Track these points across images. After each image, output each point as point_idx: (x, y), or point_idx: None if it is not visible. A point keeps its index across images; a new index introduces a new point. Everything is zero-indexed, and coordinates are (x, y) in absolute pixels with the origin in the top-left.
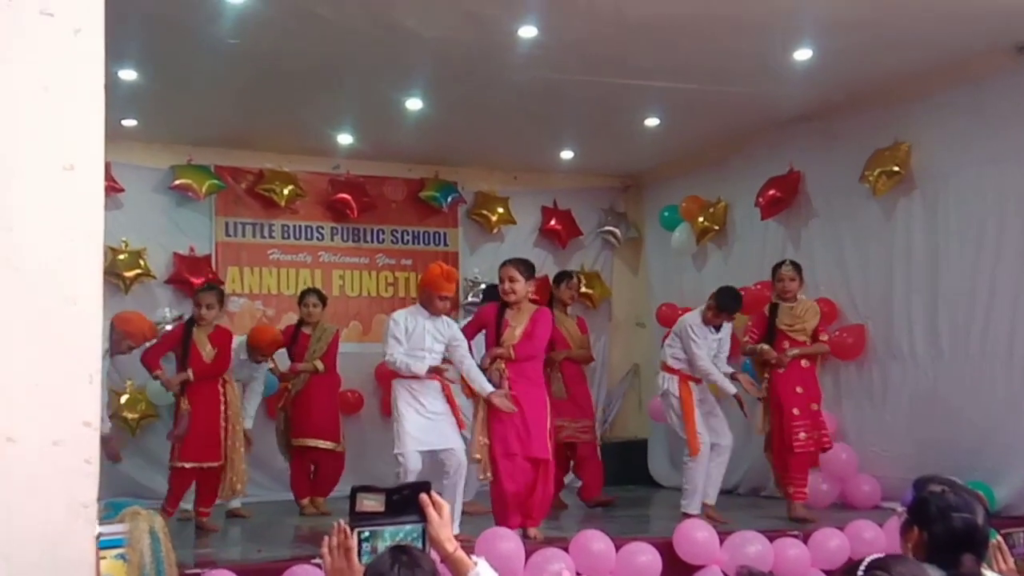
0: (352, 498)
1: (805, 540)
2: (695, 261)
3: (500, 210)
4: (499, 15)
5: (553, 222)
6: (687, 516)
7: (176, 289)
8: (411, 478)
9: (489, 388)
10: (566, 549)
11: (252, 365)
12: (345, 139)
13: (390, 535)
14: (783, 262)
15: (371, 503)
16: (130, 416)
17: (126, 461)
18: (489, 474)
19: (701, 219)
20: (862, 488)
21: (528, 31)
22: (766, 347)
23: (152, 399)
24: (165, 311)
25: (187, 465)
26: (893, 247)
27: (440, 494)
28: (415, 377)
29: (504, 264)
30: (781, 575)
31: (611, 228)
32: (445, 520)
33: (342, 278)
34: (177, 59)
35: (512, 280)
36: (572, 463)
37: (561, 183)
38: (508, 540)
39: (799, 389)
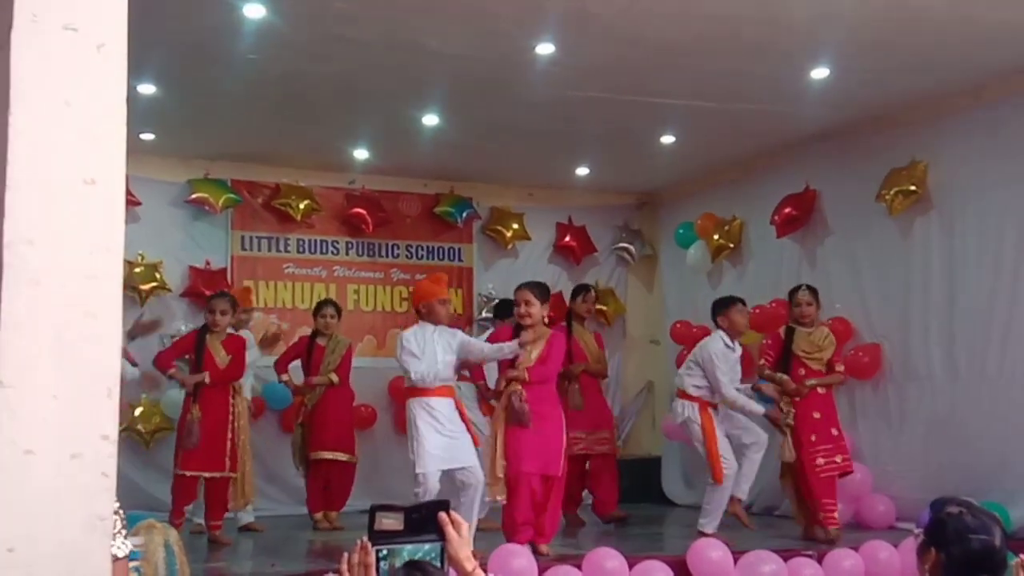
0: (371, 516)
1: (820, 560)
2: (710, 279)
3: (515, 226)
4: (517, 33)
5: (568, 238)
6: (702, 534)
7: (191, 302)
8: (430, 497)
9: (509, 348)
10: (579, 566)
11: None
12: (361, 154)
13: (408, 553)
14: (800, 287)
15: (390, 521)
16: (144, 428)
17: (139, 474)
18: (500, 498)
19: (716, 237)
20: (877, 508)
21: (545, 48)
22: (784, 377)
23: (166, 411)
24: (180, 326)
25: (188, 473)
26: (909, 267)
27: (456, 511)
28: (431, 394)
29: (520, 288)
30: None
31: (626, 245)
32: (464, 539)
33: (357, 293)
34: (196, 74)
35: (528, 303)
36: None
37: (576, 200)
38: (521, 557)
39: (816, 415)
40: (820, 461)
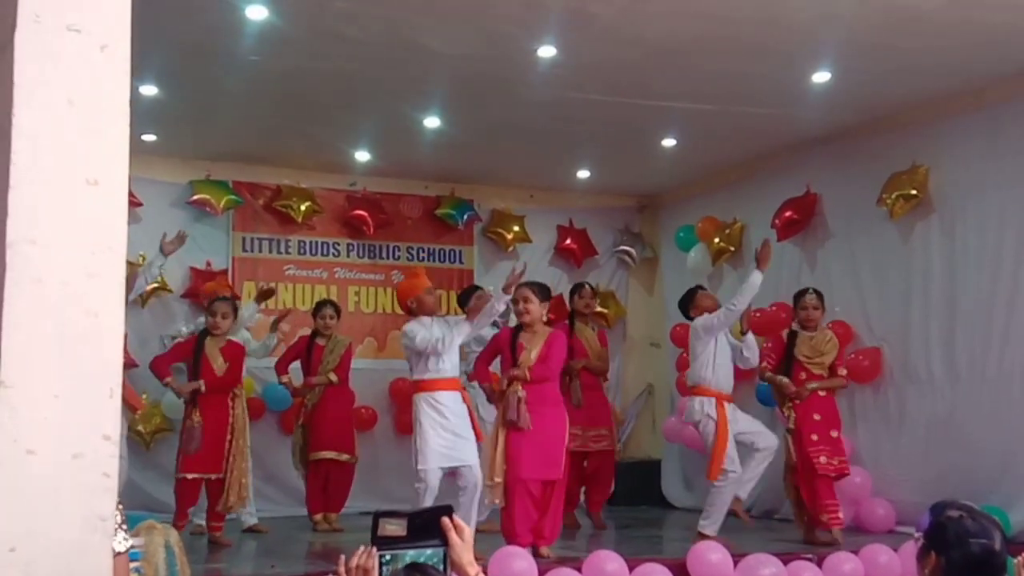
0: (374, 522)
1: (819, 563)
2: (711, 282)
3: (516, 228)
4: (518, 35)
5: (568, 241)
6: (703, 536)
7: (192, 303)
8: (431, 494)
9: (495, 300)
10: (579, 569)
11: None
12: (362, 156)
13: (411, 558)
14: (806, 290)
15: (393, 527)
16: (144, 429)
17: (139, 475)
18: (497, 501)
19: (717, 240)
20: (877, 511)
21: (547, 51)
22: (785, 380)
23: (167, 413)
24: (181, 327)
25: (189, 476)
26: (910, 270)
27: (455, 512)
28: (439, 387)
29: (519, 286)
30: None
31: (626, 248)
32: (467, 543)
33: (357, 294)
34: (197, 75)
35: (527, 301)
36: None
37: (577, 202)
38: (521, 559)
39: (817, 416)
40: (823, 459)
